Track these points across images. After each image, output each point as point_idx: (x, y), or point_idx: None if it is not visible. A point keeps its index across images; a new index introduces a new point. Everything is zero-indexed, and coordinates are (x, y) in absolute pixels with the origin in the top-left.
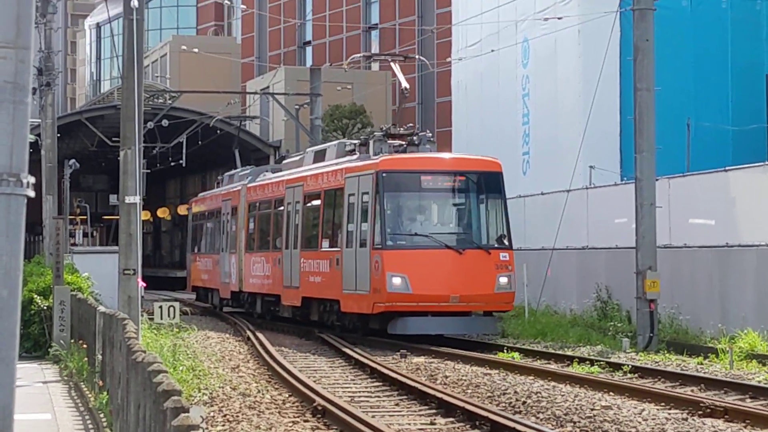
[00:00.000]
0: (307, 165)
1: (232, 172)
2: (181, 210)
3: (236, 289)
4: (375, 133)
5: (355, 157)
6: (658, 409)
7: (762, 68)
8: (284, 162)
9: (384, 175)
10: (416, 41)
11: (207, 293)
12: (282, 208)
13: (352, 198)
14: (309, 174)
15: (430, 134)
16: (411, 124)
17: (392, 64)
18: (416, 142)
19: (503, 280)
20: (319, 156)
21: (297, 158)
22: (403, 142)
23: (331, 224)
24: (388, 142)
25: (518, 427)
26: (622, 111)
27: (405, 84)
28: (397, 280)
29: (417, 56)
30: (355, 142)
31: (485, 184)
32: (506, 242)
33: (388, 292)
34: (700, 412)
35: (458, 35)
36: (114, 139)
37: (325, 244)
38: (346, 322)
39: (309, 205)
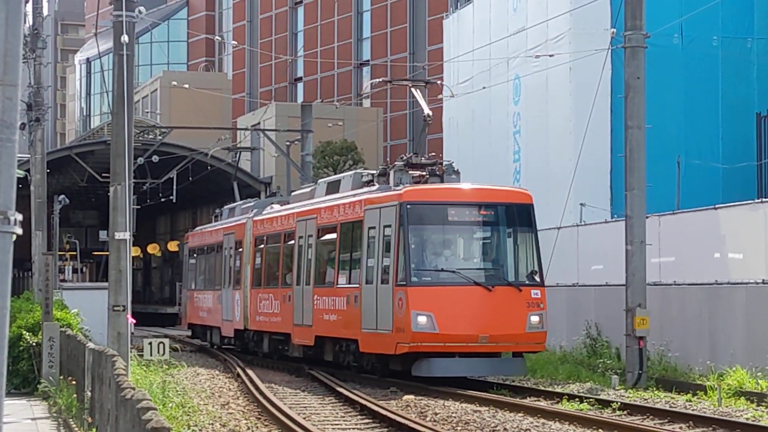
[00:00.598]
0: (320, 197)
1: (233, 205)
2: (172, 246)
3: (241, 327)
4: (396, 163)
5: (374, 188)
6: None
7: (752, 106)
8: (293, 194)
9: (408, 206)
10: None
11: (205, 331)
12: (292, 242)
13: (372, 231)
14: (323, 206)
15: (454, 164)
16: (433, 154)
17: (413, 89)
18: (438, 173)
19: (535, 318)
20: (333, 187)
21: (307, 190)
22: (425, 173)
23: (349, 259)
24: (409, 172)
25: None
26: (613, 148)
27: (427, 110)
28: (422, 319)
29: (440, 82)
30: (373, 172)
31: (515, 216)
32: (537, 278)
33: (412, 332)
34: None
35: (449, 72)
36: (104, 174)
37: (342, 280)
38: (365, 362)
39: (323, 239)
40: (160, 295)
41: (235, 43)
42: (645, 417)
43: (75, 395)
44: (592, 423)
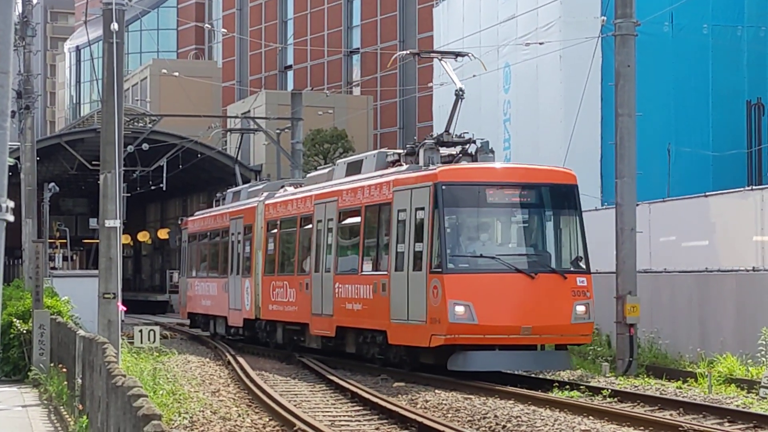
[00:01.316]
0: (339, 179)
1: (238, 188)
2: (162, 234)
3: (251, 316)
4: (425, 141)
5: (403, 168)
6: None
7: (742, 94)
8: (308, 176)
9: (444, 187)
10: (398, 66)
11: (208, 321)
12: (310, 226)
13: (402, 214)
14: (344, 188)
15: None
16: (465, 131)
17: (442, 63)
18: (471, 152)
19: (581, 308)
20: (354, 168)
21: (324, 171)
22: (455, 152)
23: (375, 244)
24: (440, 150)
25: None
26: (603, 136)
27: (459, 84)
28: (460, 309)
29: (470, 54)
30: (399, 151)
31: (559, 197)
32: (583, 265)
33: (449, 323)
34: None
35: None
36: (94, 162)
37: (367, 266)
38: (392, 355)
39: (345, 222)
40: (151, 282)
41: (225, 31)
42: (635, 404)
43: (65, 383)
44: (583, 410)
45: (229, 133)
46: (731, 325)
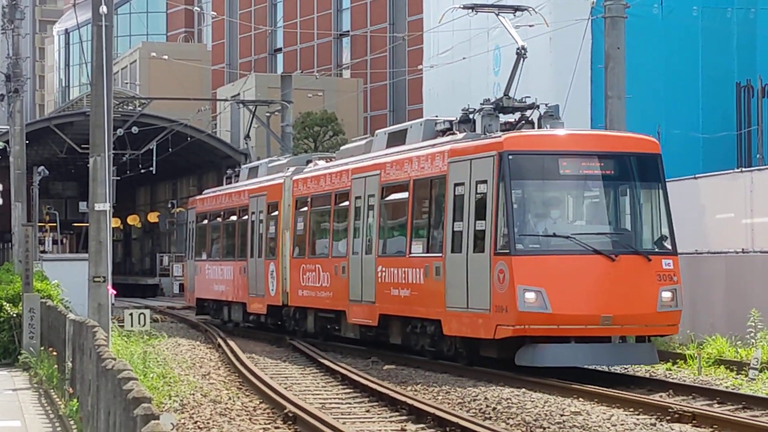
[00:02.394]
0: (379, 150)
1: (255, 163)
2: (152, 217)
3: (277, 302)
4: (483, 106)
5: (459, 137)
6: (626, 415)
7: (732, 76)
8: (342, 149)
9: (511, 157)
10: (387, 48)
11: (221, 307)
12: (347, 203)
13: (459, 189)
14: (388, 160)
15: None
16: (527, 95)
17: (501, 18)
18: (532, 119)
19: (667, 295)
20: (397, 138)
21: (361, 143)
22: (514, 120)
23: (426, 223)
24: (500, 117)
25: None
26: (593, 119)
27: (520, 42)
28: (530, 296)
29: (529, 9)
30: (450, 119)
31: (642, 169)
32: (669, 245)
33: (518, 312)
34: (668, 418)
35: (429, 42)
36: (83, 146)
37: (417, 248)
38: (446, 347)
39: (389, 198)
40: (141, 266)
41: (215, 14)
42: (625, 386)
43: (56, 366)
44: (572, 392)
45: (219, 115)
46: (721, 307)
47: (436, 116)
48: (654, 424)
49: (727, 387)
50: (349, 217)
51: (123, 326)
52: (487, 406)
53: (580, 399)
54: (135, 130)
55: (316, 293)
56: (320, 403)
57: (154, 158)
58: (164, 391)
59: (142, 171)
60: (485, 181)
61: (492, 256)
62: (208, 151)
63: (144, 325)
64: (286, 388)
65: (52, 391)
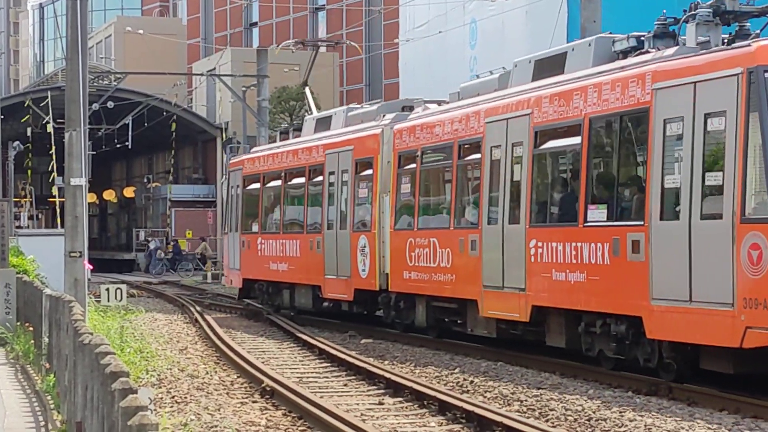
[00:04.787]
0: (523, 84)
1: (326, 113)
2: (128, 192)
3: (371, 286)
4: (696, 11)
5: (668, 52)
6: (604, 387)
7: None
8: (462, 87)
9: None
10: (363, 22)
11: (279, 291)
12: (477, 156)
13: (672, 127)
14: (542, 94)
15: None
16: None
17: None
18: (751, 33)
19: None
20: (551, 66)
21: (493, 77)
22: (729, 37)
23: (612, 179)
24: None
25: (466, 406)
26: None
27: None
28: None
29: None
30: (638, 34)
31: None
32: None
33: None
34: (645, 390)
35: (405, 16)
36: (59, 120)
37: (597, 214)
38: (644, 355)
39: (545, 147)
40: (117, 241)
41: None
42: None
43: (32, 341)
44: (551, 366)
45: (195, 90)
46: None
47: (610, 34)
48: (631, 397)
49: None
50: (482, 174)
51: (99, 301)
52: (465, 379)
53: (558, 373)
54: (110, 104)
55: (430, 276)
56: (297, 378)
57: (130, 133)
58: (141, 365)
59: (118, 146)
60: (721, 113)
61: (736, 225)
62: (183, 126)
63: (120, 300)
64: (263, 363)
65: (28, 366)
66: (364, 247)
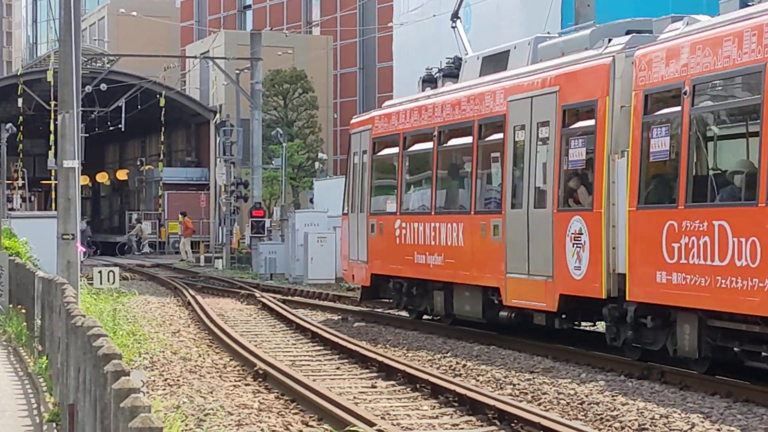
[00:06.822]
0: None
1: (499, 47)
2: (121, 175)
3: (591, 293)
4: None
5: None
6: (596, 371)
7: None
8: None
9: None
10: (357, 5)
11: (427, 291)
12: None
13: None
14: None
15: None
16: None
17: None
18: None
19: None
20: None
21: None
22: None
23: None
24: None
25: (458, 389)
26: None
27: None
28: None
29: None
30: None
31: None
32: None
33: None
34: (637, 374)
35: (399, 0)
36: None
37: None
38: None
39: None
40: (110, 224)
41: None
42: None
43: (25, 323)
44: (543, 350)
45: (188, 73)
46: None
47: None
48: (623, 381)
49: None
50: None
51: (92, 284)
52: (457, 363)
53: (550, 357)
54: (103, 87)
55: (705, 279)
56: (290, 361)
57: (123, 115)
58: (134, 348)
59: (111, 128)
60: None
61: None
62: (176, 108)
63: (113, 283)
64: (256, 346)
65: (21, 348)
66: (580, 233)
